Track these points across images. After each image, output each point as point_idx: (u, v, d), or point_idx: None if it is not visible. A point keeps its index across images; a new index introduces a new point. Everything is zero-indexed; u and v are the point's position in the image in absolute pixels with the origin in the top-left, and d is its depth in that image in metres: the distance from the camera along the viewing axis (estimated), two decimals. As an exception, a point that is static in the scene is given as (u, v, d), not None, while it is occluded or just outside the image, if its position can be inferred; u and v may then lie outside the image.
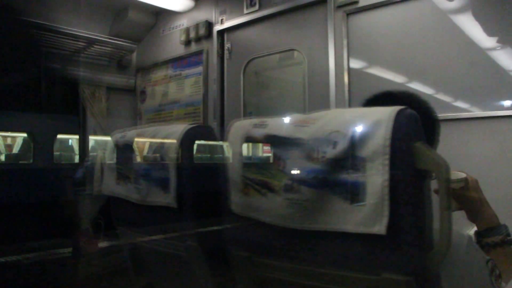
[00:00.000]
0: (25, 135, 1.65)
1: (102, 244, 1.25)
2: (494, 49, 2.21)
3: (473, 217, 1.05)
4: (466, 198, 1.03)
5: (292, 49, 3.17)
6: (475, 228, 1.06)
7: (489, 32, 2.21)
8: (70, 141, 2.41)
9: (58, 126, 1.57)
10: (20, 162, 2.03)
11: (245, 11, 3.41)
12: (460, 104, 2.30)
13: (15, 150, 2.22)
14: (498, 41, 2.18)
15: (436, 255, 0.69)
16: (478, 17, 2.25)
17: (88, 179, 1.45)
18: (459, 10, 2.33)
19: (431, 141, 0.99)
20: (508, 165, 2.03)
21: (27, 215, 1.27)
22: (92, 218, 1.30)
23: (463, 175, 1.06)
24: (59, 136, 1.70)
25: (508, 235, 1.02)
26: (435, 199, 0.73)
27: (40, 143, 1.42)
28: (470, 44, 2.26)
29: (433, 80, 2.38)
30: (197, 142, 1.13)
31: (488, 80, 2.20)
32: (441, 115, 2.23)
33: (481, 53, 2.22)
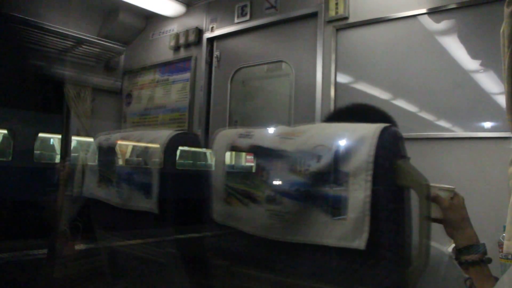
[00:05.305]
0: (5, 131, 1.62)
1: (79, 247, 1.22)
2: (477, 71, 2.26)
3: (452, 233, 1.08)
4: (450, 211, 1.05)
5: (281, 61, 3.19)
6: (453, 245, 1.08)
7: (473, 55, 2.27)
8: (51, 140, 2.37)
9: (40, 125, 1.54)
10: (-1, 159, 1.99)
11: (236, 21, 3.43)
12: (442, 123, 2.35)
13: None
14: (481, 64, 2.24)
15: (414, 271, 0.70)
16: (463, 40, 2.31)
17: (68, 179, 1.43)
18: (446, 32, 2.38)
19: None
20: (485, 185, 2.08)
21: (2, 214, 1.25)
22: (70, 219, 1.27)
23: (453, 187, 1.09)
24: (40, 134, 1.67)
25: (485, 254, 1.04)
26: (414, 215, 0.74)
27: (21, 140, 1.39)
28: (455, 65, 2.31)
29: (417, 98, 2.43)
30: (181, 148, 1.13)
31: (470, 102, 2.25)
32: (423, 133, 2.29)
33: (465, 75, 2.28)
